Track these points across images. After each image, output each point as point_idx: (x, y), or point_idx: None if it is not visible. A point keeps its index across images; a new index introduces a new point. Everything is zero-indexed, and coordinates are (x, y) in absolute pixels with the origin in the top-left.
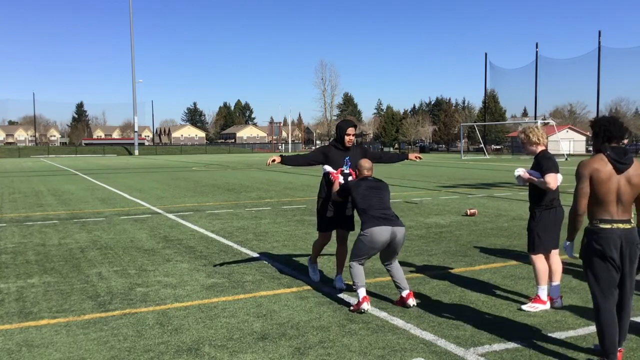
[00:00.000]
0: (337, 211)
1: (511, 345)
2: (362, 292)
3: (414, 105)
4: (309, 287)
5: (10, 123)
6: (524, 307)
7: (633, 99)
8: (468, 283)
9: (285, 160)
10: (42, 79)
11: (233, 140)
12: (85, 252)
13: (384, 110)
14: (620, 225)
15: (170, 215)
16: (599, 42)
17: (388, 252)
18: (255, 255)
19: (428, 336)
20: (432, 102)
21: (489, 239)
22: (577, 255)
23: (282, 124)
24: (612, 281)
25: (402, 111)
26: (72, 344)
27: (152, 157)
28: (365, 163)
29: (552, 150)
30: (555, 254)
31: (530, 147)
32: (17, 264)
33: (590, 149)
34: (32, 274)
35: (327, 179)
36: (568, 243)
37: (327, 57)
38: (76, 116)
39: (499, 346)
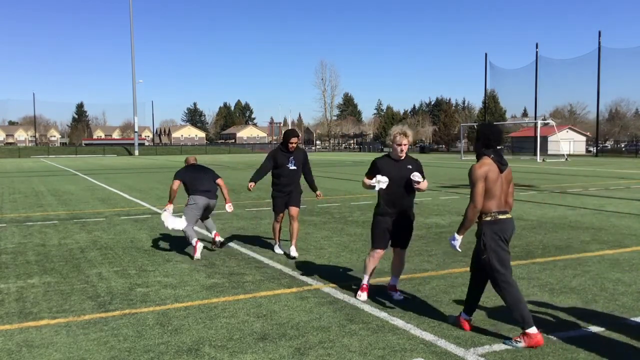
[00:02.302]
0: (286, 195)
1: (511, 345)
2: (194, 241)
3: (414, 105)
4: (309, 288)
5: (11, 123)
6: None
7: (633, 99)
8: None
9: (254, 180)
10: (42, 79)
11: (233, 141)
12: (85, 252)
13: (384, 111)
14: (509, 215)
15: None
16: (599, 43)
17: (206, 213)
18: (255, 255)
19: (428, 336)
20: (432, 103)
21: None
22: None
23: (282, 124)
24: (509, 260)
25: (402, 111)
26: (72, 344)
27: (152, 157)
28: (190, 157)
29: (552, 150)
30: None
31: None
32: (17, 264)
33: (591, 149)
34: (32, 274)
35: (274, 172)
36: (459, 237)
37: (327, 58)
38: (76, 116)
39: (499, 346)
